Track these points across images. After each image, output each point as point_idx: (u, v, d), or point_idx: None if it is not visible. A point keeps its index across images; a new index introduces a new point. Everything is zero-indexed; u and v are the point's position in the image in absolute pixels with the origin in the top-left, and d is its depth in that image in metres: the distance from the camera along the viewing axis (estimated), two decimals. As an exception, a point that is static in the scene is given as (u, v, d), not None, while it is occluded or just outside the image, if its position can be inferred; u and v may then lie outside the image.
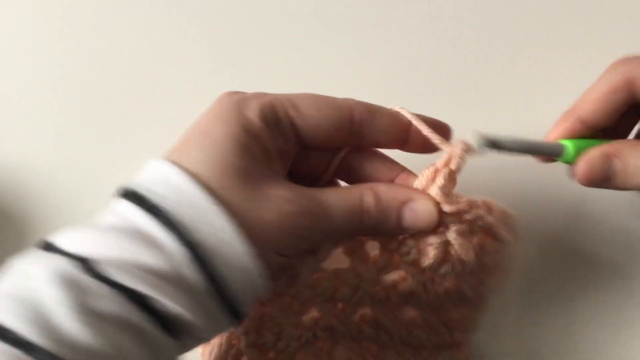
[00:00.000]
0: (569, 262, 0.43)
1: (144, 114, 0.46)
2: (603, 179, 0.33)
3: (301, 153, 0.35)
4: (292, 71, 0.46)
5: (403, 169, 0.36)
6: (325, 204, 0.32)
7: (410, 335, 0.38)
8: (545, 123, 0.37)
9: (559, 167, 0.36)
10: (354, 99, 0.34)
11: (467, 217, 0.34)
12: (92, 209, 0.45)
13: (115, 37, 0.47)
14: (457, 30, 0.45)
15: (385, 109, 0.35)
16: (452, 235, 0.33)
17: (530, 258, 0.43)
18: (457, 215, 0.33)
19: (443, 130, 0.35)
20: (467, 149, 0.33)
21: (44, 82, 0.47)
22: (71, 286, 0.27)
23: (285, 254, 0.32)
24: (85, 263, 0.28)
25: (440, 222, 0.33)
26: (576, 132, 0.34)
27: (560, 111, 0.36)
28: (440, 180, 0.33)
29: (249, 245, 0.29)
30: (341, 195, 0.32)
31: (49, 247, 0.29)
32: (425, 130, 0.34)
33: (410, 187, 0.34)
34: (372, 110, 0.34)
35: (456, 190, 0.34)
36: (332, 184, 0.37)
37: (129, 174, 0.45)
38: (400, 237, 0.34)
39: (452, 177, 0.34)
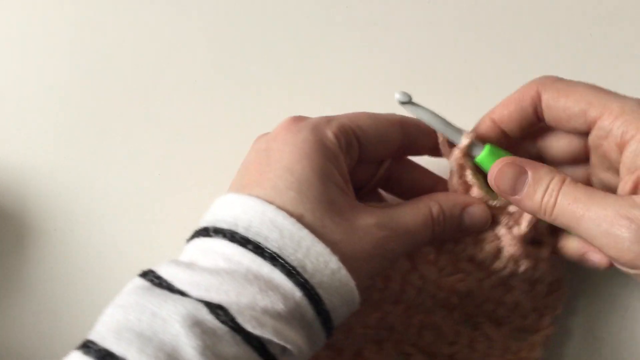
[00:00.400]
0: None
1: (144, 114, 0.46)
2: (512, 190, 0.34)
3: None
4: (292, 71, 0.46)
5: (435, 175, 0.40)
6: (404, 223, 0.34)
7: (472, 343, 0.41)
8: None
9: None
10: (399, 116, 0.37)
11: (511, 210, 0.36)
12: (92, 208, 0.45)
13: (115, 37, 0.47)
14: (457, 30, 0.45)
15: (421, 121, 0.37)
16: (501, 230, 0.37)
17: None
18: (503, 210, 0.36)
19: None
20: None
21: (44, 82, 0.47)
22: (205, 333, 0.27)
23: (375, 275, 0.34)
24: (219, 310, 0.28)
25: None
26: (488, 130, 0.37)
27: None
28: (476, 192, 0.36)
29: (350, 279, 0.31)
30: (413, 211, 0.34)
31: (168, 287, 0.29)
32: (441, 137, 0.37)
33: (460, 193, 0.37)
34: (417, 124, 0.37)
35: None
36: (373, 193, 0.40)
37: (128, 173, 0.46)
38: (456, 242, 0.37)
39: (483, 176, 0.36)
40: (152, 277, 0.30)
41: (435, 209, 0.35)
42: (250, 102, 0.46)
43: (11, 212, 0.46)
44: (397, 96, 0.35)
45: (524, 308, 0.40)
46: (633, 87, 0.36)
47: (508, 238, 0.37)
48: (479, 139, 0.36)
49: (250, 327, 0.28)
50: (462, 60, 0.45)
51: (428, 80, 0.45)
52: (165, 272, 0.30)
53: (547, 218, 0.33)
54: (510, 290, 0.39)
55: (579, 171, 0.38)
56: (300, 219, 0.31)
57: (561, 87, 0.35)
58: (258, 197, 0.31)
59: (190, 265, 0.30)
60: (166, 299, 0.28)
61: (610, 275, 0.43)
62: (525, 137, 0.37)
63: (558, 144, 0.37)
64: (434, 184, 0.39)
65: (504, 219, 0.37)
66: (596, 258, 0.35)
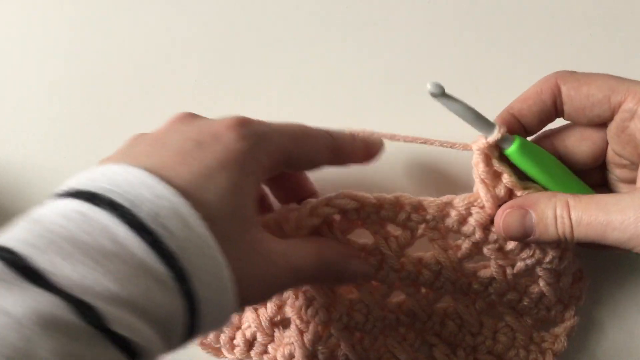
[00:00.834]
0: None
1: (144, 114, 0.46)
2: (523, 234, 0.36)
3: None
4: (292, 71, 0.46)
5: (312, 186, 0.41)
6: (294, 260, 0.34)
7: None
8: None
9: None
10: (331, 131, 0.36)
11: None
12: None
13: (115, 37, 0.47)
14: (457, 30, 0.45)
15: (353, 134, 0.38)
16: None
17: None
18: None
19: (373, 146, 0.39)
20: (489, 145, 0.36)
21: (44, 82, 0.47)
22: (59, 332, 0.24)
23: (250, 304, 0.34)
24: (81, 307, 0.25)
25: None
26: (507, 124, 0.37)
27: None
28: (507, 179, 0.37)
29: (234, 290, 0.29)
30: (304, 251, 0.35)
31: (35, 278, 0.25)
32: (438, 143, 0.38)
33: (345, 246, 0.38)
34: (347, 140, 0.37)
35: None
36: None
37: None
38: (485, 228, 0.37)
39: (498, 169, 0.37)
40: (19, 261, 0.25)
41: (323, 250, 0.36)
42: (250, 102, 0.46)
43: (11, 212, 0.46)
44: (429, 87, 0.34)
45: (549, 299, 0.41)
46: (633, 87, 0.36)
47: None
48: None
49: (114, 326, 0.25)
50: (462, 60, 0.45)
51: (428, 80, 0.45)
52: (46, 260, 0.26)
53: (572, 241, 0.34)
54: (536, 281, 0.40)
55: (597, 174, 0.39)
56: (188, 198, 0.28)
57: (581, 77, 0.36)
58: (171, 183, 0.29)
59: (76, 246, 0.26)
60: (21, 291, 0.24)
61: (633, 262, 0.44)
62: (547, 140, 0.38)
63: (580, 147, 0.38)
64: (312, 193, 0.40)
65: None
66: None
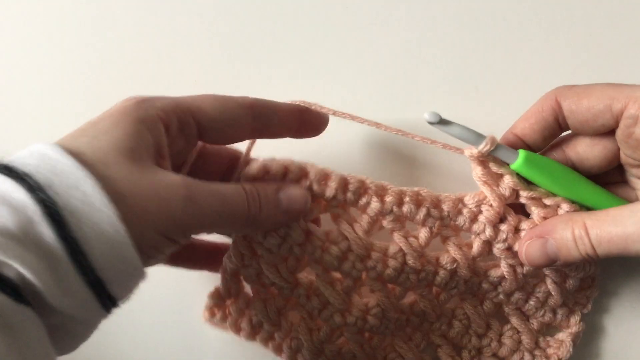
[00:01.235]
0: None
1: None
2: (548, 261, 0.37)
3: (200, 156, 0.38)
4: (292, 71, 0.46)
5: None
6: (215, 187, 0.33)
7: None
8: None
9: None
10: (252, 98, 0.37)
11: (547, 202, 0.38)
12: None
13: (115, 37, 0.47)
14: (457, 30, 0.45)
15: (281, 104, 0.38)
16: (538, 221, 0.38)
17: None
18: (537, 201, 0.38)
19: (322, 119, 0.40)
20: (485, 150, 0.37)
21: (44, 82, 0.47)
22: None
23: (173, 237, 0.32)
24: None
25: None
26: (511, 145, 0.38)
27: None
28: (508, 179, 0.38)
29: (107, 205, 0.28)
30: (225, 184, 0.34)
31: None
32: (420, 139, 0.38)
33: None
34: (270, 106, 0.37)
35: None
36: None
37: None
38: (495, 226, 0.38)
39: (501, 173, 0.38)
40: None
41: (248, 186, 0.35)
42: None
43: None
44: (427, 117, 0.36)
45: (555, 300, 0.41)
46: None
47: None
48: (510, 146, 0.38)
49: None
50: (462, 60, 0.45)
51: (428, 80, 0.45)
52: None
53: (595, 259, 0.35)
54: (543, 280, 0.40)
55: (616, 173, 0.39)
56: (79, 156, 0.29)
57: (580, 91, 0.36)
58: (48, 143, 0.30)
59: None
60: None
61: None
62: (559, 149, 0.39)
63: (592, 154, 0.38)
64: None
65: (541, 211, 0.38)
66: None
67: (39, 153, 0.29)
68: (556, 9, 0.44)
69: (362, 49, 0.45)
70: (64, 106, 0.47)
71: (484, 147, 0.36)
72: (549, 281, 0.40)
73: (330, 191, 0.37)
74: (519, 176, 0.38)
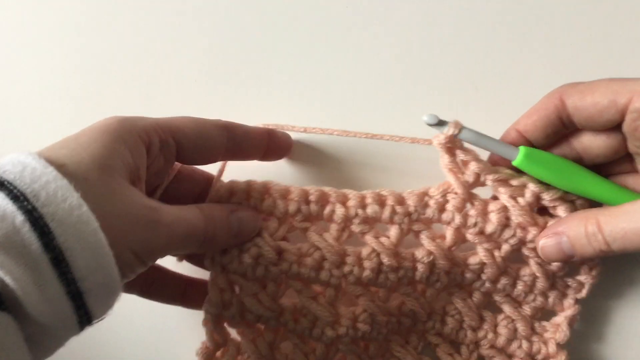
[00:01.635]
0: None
1: (144, 114, 0.46)
2: (564, 258, 0.38)
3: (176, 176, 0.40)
4: (292, 71, 0.46)
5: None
6: (175, 210, 0.34)
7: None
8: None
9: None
10: (225, 121, 0.39)
11: (514, 183, 0.39)
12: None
13: (115, 37, 0.47)
14: (457, 30, 0.45)
15: (251, 127, 0.40)
16: (506, 200, 0.39)
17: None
18: (504, 183, 0.39)
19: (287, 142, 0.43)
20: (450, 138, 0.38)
21: (44, 82, 0.47)
22: None
23: (142, 258, 0.33)
24: None
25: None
26: (514, 141, 0.39)
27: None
28: (473, 164, 0.39)
29: (92, 218, 0.29)
30: (183, 208, 0.35)
31: None
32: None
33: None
34: (242, 127, 0.40)
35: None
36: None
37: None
38: (463, 212, 0.39)
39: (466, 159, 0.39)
40: None
41: (206, 210, 0.37)
42: (249, 101, 0.46)
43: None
44: (426, 119, 0.37)
45: (542, 283, 0.41)
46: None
47: (515, 208, 0.39)
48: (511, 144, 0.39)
49: None
50: (462, 60, 0.45)
51: (428, 80, 0.45)
52: None
53: (611, 254, 0.36)
54: (526, 262, 0.41)
55: (626, 162, 0.39)
56: (60, 167, 0.30)
57: (583, 88, 0.36)
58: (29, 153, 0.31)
59: None
60: None
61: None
62: (564, 142, 0.39)
63: (597, 144, 0.38)
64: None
65: (507, 190, 0.39)
66: None
67: (20, 162, 0.30)
68: (556, 8, 0.44)
69: (362, 49, 0.45)
70: (64, 106, 0.47)
71: (447, 129, 0.38)
72: (531, 262, 0.40)
73: (293, 205, 0.39)
74: (484, 162, 0.39)
